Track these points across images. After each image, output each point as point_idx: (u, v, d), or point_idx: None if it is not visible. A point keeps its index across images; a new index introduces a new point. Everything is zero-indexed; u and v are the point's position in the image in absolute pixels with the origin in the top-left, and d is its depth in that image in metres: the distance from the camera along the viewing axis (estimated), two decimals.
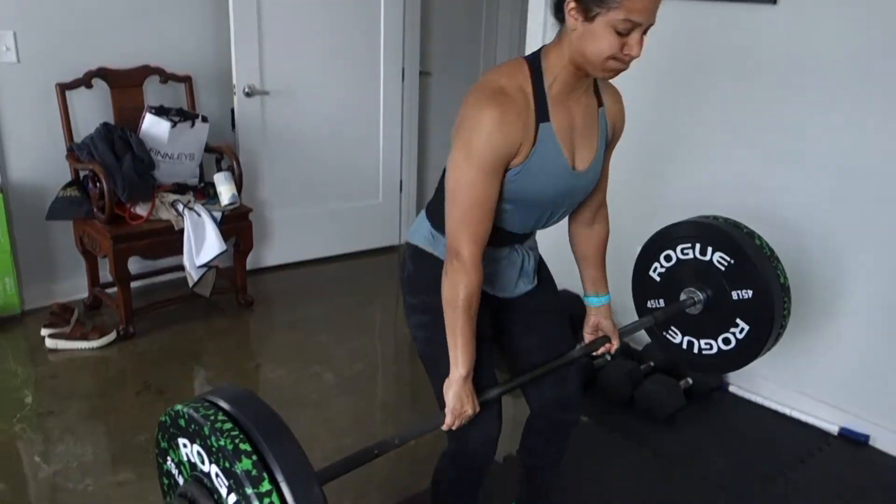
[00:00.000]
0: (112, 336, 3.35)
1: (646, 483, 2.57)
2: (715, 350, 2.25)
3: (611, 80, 1.65)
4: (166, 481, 1.50)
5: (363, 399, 3.06)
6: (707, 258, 2.19)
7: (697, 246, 2.21)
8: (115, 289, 3.40)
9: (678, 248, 2.25)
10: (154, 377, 3.12)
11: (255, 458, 1.24)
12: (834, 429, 2.85)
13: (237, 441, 1.25)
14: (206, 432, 1.28)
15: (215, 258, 3.42)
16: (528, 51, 3.36)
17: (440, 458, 1.95)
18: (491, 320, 1.87)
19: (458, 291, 1.58)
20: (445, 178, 1.59)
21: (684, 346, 2.31)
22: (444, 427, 1.67)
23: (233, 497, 1.25)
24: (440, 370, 1.71)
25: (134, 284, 3.55)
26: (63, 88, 3.44)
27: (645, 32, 1.48)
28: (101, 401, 2.94)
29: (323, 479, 1.43)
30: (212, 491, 1.31)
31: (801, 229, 2.80)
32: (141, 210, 3.38)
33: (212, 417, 1.30)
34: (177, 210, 3.41)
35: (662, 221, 2.35)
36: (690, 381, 3.01)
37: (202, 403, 1.34)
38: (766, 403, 2.99)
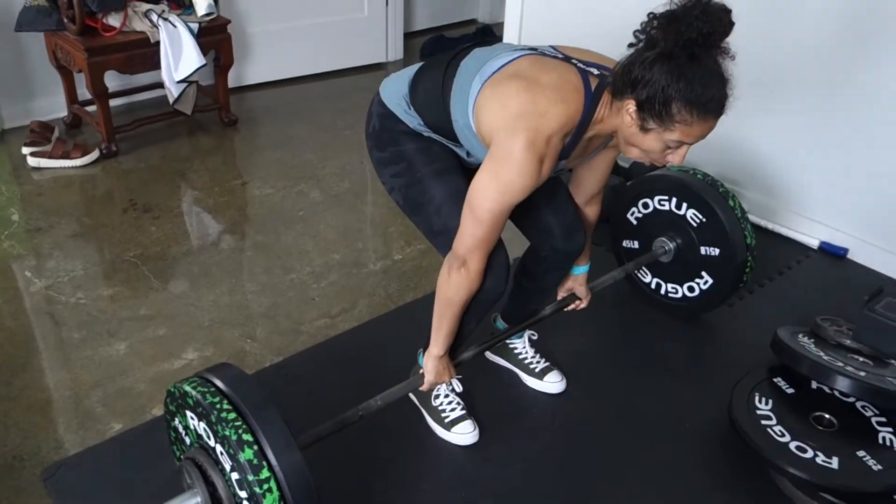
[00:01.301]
0: (95, 154, 3.30)
1: (627, 299, 2.62)
2: (679, 295, 2.44)
3: None
4: (172, 434, 1.66)
5: (351, 215, 3.07)
6: (681, 213, 2.33)
7: (674, 200, 2.33)
8: (94, 106, 3.32)
9: (655, 199, 2.38)
10: (140, 195, 3.11)
11: (256, 448, 1.38)
12: (814, 243, 2.89)
13: (240, 432, 1.39)
14: (213, 420, 1.41)
15: (194, 72, 3.31)
16: None
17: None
18: None
19: (460, 295, 1.69)
20: (470, 190, 1.59)
21: (652, 286, 2.50)
22: (423, 388, 1.86)
23: (235, 475, 1.40)
24: (428, 207, 1.76)
25: (114, 102, 3.47)
26: None
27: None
28: (89, 218, 2.95)
29: (313, 439, 1.62)
30: (217, 462, 1.47)
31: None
32: (114, 21, 3.23)
33: (217, 406, 1.42)
34: (151, 21, 3.26)
35: None
36: None
37: (208, 389, 1.46)
38: (751, 218, 2.99)
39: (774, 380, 2.03)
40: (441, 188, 1.74)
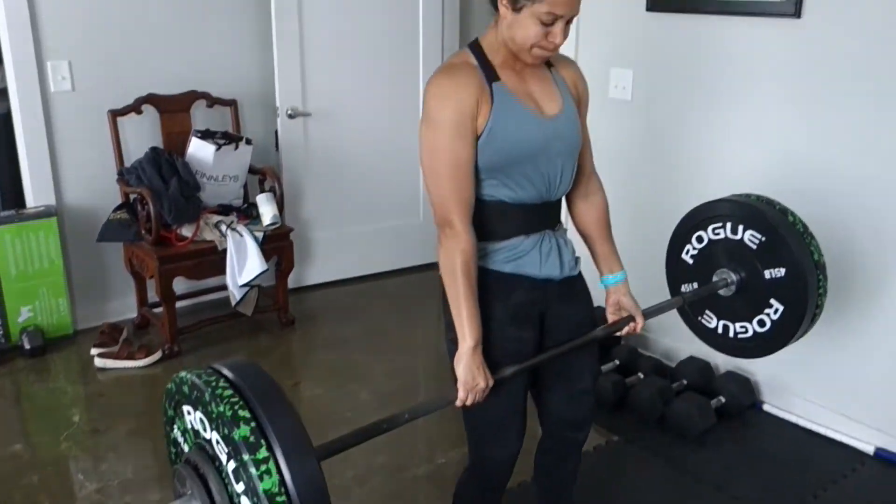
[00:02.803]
0: (158, 355, 3.47)
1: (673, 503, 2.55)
2: (751, 333, 2.20)
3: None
4: (173, 450, 1.52)
5: None
6: (738, 237, 2.14)
7: (728, 225, 2.17)
8: (161, 308, 3.53)
9: (709, 229, 2.20)
10: None
11: (253, 424, 1.25)
12: (870, 449, 2.78)
13: (236, 407, 1.26)
14: (207, 399, 1.30)
15: (257, 277, 3.51)
16: None
17: (463, 473, 2.00)
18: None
19: (454, 257, 1.63)
20: (419, 156, 1.68)
21: (720, 330, 2.26)
22: (458, 403, 1.67)
23: (232, 464, 1.25)
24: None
25: (179, 304, 3.67)
26: (115, 115, 3.59)
27: (569, 22, 1.62)
28: (146, 419, 3.05)
29: (329, 451, 1.46)
30: (213, 458, 1.32)
31: (844, 209, 2.73)
32: (186, 231, 3.50)
33: (213, 384, 1.31)
34: (220, 231, 3.52)
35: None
36: (723, 399, 2.98)
37: (205, 370, 1.37)
38: (800, 422, 2.93)
39: None
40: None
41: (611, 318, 1.96)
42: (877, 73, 2.56)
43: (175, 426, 1.48)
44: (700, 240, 2.23)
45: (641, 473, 2.69)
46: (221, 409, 1.26)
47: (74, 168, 3.63)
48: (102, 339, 3.45)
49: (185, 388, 1.38)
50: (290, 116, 4.02)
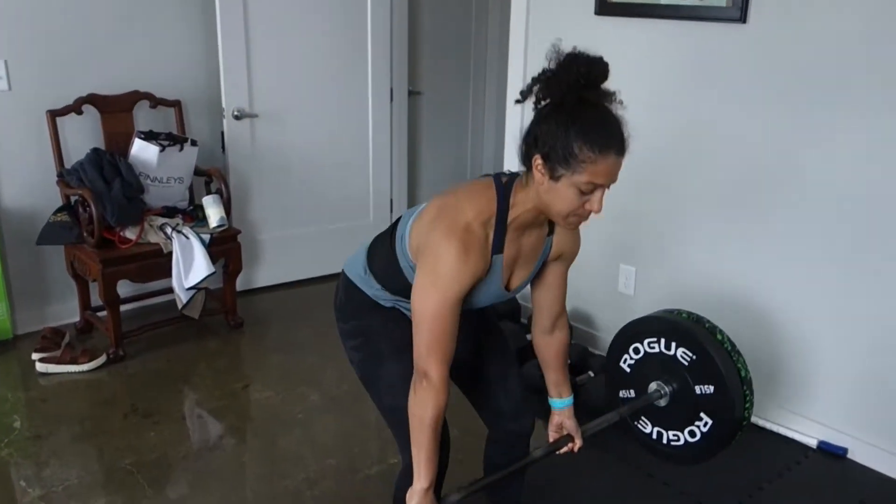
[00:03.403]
0: (102, 359, 3.39)
1: (623, 497, 2.59)
2: (682, 442, 2.34)
3: None
4: None
5: (348, 418, 3.09)
6: (671, 353, 2.28)
7: (662, 341, 2.30)
8: (105, 312, 3.45)
9: (645, 342, 2.35)
10: (142, 399, 3.16)
11: None
12: (813, 442, 2.87)
13: None
14: None
15: (203, 280, 3.46)
16: (512, 82, 3.46)
17: (398, 476, 1.95)
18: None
19: (427, 411, 1.64)
20: (412, 300, 1.65)
21: (654, 436, 2.40)
22: None
23: None
24: (380, 383, 1.85)
25: (124, 308, 3.60)
26: (54, 115, 3.50)
27: (607, 188, 1.57)
28: (90, 424, 2.98)
29: None
30: None
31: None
32: (130, 234, 3.43)
33: None
34: (165, 233, 3.46)
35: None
36: None
37: None
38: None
39: None
40: (395, 366, 1.83)
41: (552, 436, 2.05)
42: (821, 77, 2.64)
43: None
44: (637, 351, 2.38)
45: (593, 470, 2.72)
46: None
47: (12, 169, 3.53)
48: (44, 343, 3.36)
49: None
50: (237, 117, 3.97)
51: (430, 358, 1.63)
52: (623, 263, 3.41)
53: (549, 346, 2.01)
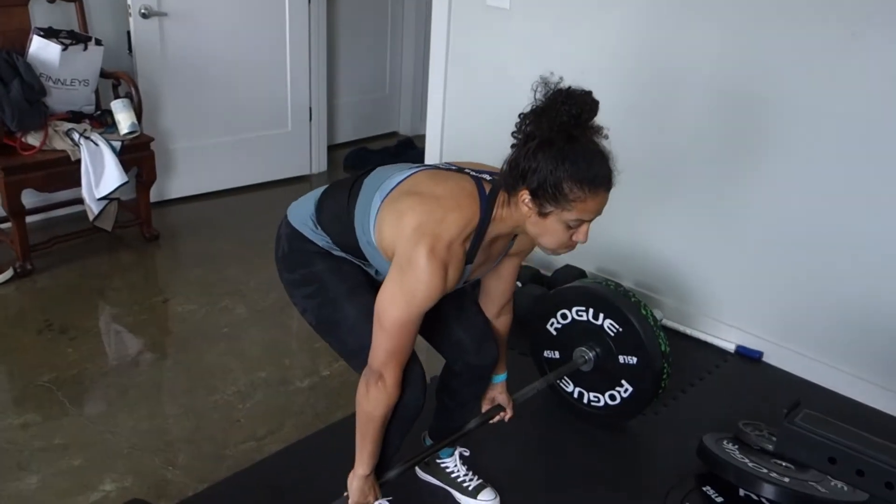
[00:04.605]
0: (9, 273, 3.20)
1: (552, 409, 2.64)
2: (602, 403, 2.46)
3: None
4: None
5: (276, 330, 3.03)
6: (599, 323, 2.38)
7: (591, 311, 2.39)
8: (9, 224, 3.24)
9: (573, 310, 2.43)
10: (56, 315, 3.01)
11: None
12: (731, 347, 3.00)
13: None
14: None
15: (116, 190, 3.28)
16: None
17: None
18: None
19: (378, 410, 1.69)
20: (378, 300, 1.62)
21: (575, 395, 2.52)
22: None
23: None
24: (341, 328, 1.79)
25: (31, 219, 3.40)
26: None
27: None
28: (1, 341, 2.83)
29: None
30: None
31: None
32: (33, 140, 3.19)
33: None
34: (72, 139, 3.24)
35: None
36: None
37: None
38: (669, 324, 3.10)
39: (703, 489, 2.06)
40: (354, 307, 1.78)
41: (485, 407, 2.11)
42: None
43: None
44: (564, 317, 2.46)
45: (519, 373, 2.76)
46: None
47: None
48: None
49: None
50: (144, 16, 3.71)
51: (389, 364, 1.64)
52: None
53: (494, 330, 2.02)
